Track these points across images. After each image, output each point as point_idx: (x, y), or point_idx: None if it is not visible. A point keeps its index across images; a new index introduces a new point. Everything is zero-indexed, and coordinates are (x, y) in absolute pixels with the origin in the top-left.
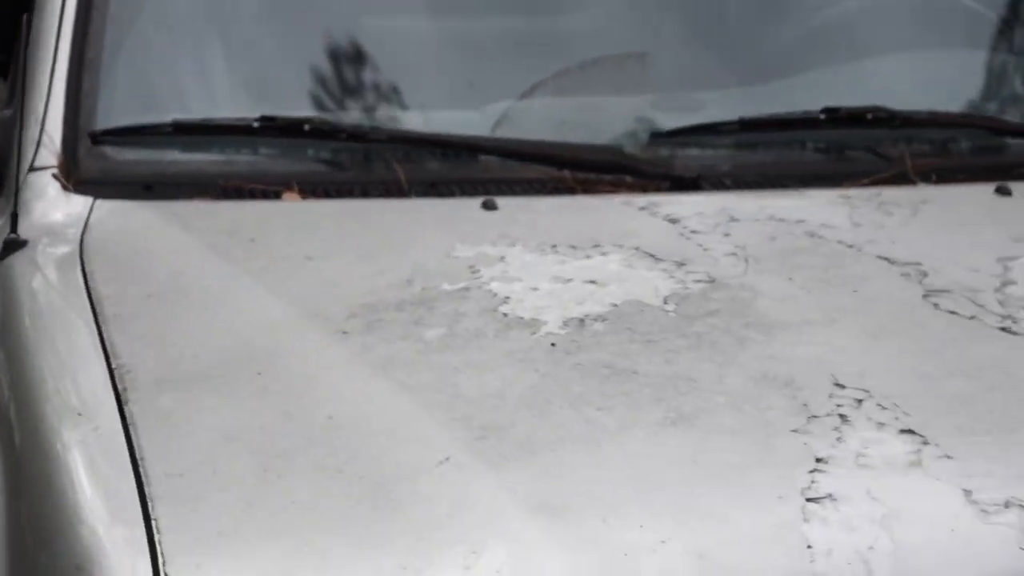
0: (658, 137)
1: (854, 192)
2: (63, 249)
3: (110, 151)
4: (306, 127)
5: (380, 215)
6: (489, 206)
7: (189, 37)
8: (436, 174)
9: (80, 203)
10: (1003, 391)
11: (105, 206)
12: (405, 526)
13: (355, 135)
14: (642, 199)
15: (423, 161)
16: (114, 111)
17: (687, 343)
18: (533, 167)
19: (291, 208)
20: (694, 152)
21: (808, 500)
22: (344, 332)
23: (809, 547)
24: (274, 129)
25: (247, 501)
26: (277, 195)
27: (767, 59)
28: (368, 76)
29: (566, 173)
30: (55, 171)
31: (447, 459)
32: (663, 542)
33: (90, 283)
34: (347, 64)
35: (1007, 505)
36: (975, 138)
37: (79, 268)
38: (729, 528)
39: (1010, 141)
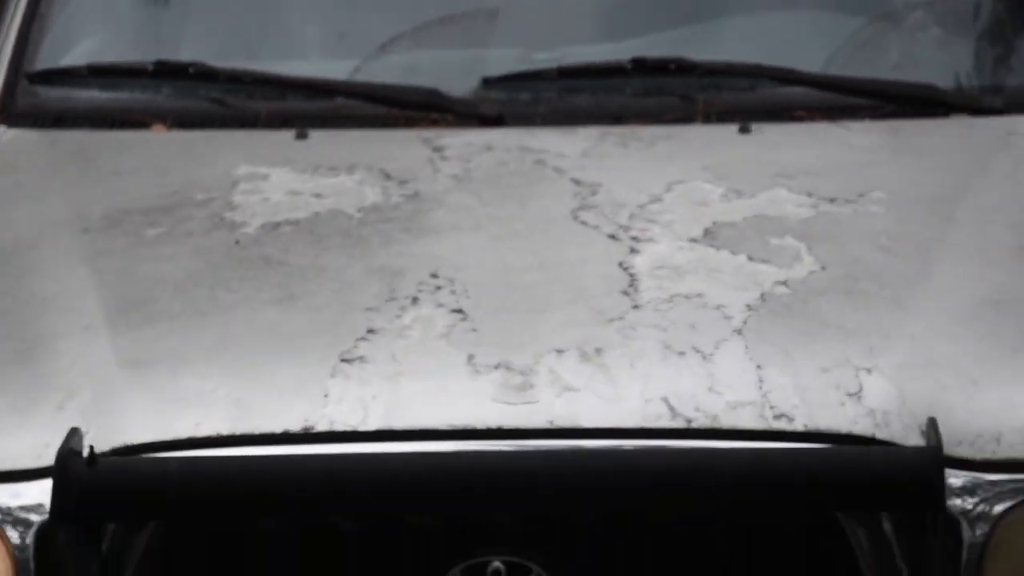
0: (489, 82)
1: (618, 129)
2: None
3: (41, 90)
4: (191, 70)
5: (209, 142)
6: (301, 136)
7: None
8: (292, 111)
9: None
10: (565, 281)
11: (9, 134)
12: (28, 376)
13: (232, 78)
14: (433, 132)
15: (285, 100)
16: (51, 56)
17: (344, 242)
18: (370, 106)
19: (145, 136)
20: (517, 95)
21: (342, 360)
22: (87, 230)
23: (325, 396)
24: (166, 72)
25: None
26: (147, 126)
27: (618, 16)
28: (255, 27)
29: (396, 111)
30: None
31: (87, 326)
32: (212, 391)
33: None
34: (240, 17)
35: (496, 367)
36: (764, 86)
37: None
38: (268, 381)
39: (794, 89)
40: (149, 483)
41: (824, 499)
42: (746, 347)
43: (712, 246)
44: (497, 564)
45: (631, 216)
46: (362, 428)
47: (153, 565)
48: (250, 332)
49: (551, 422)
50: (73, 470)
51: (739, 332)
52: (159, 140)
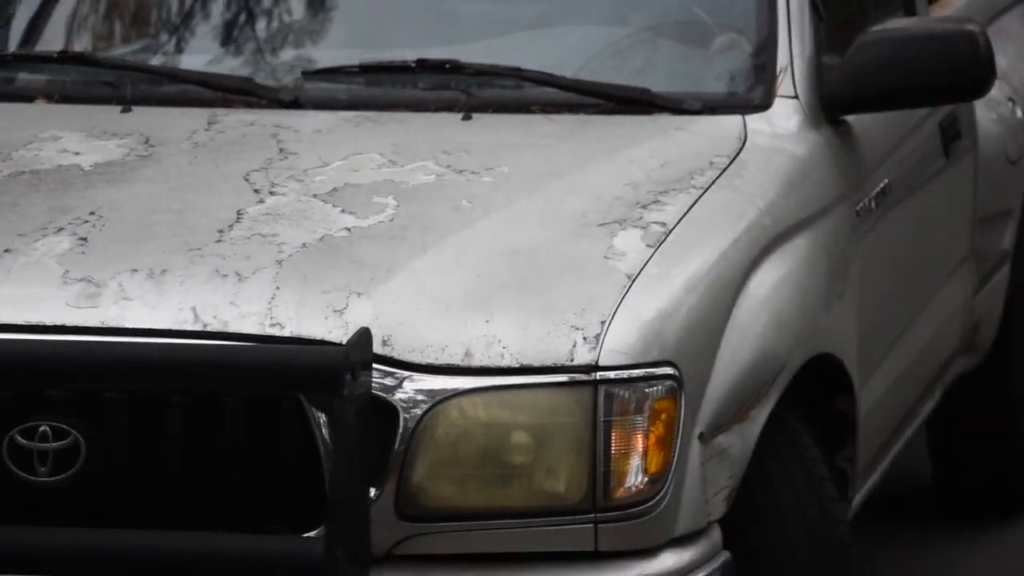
0: (307, 74)
1: (371, 114)
2: None
3: None
4: (84, 58)
5: (54, 112)
6: (125, 110)
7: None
8: (148, 93)
9: None
10: (183, 222)
11: None
12: None
13: (112, 65)
14: (230, 111)
15: (150, 85)
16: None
17: (55, 188)
18: (201, 90)
19: (20, 108)
20: (326, 85)
21: None
22: None
23: None
24: (66, 59)
25: None
26: (32, 99)
27: (430, 27)
28: (141, 27)
29: (219, 94)
30: None
31: None
32: None
33: None
34: (145, 21)
35: (80, 280)
36: (519, 85)
37: None
38: None
39: (546, 89)
40: None
41: (266, 384)
42: (277, 274)
43: (324, 200)
44: (44, 428)
45: (289, 177)
46: None
47: None
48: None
49: (103, 323)
50: None
51: (279, 263)
52: (23, 110)
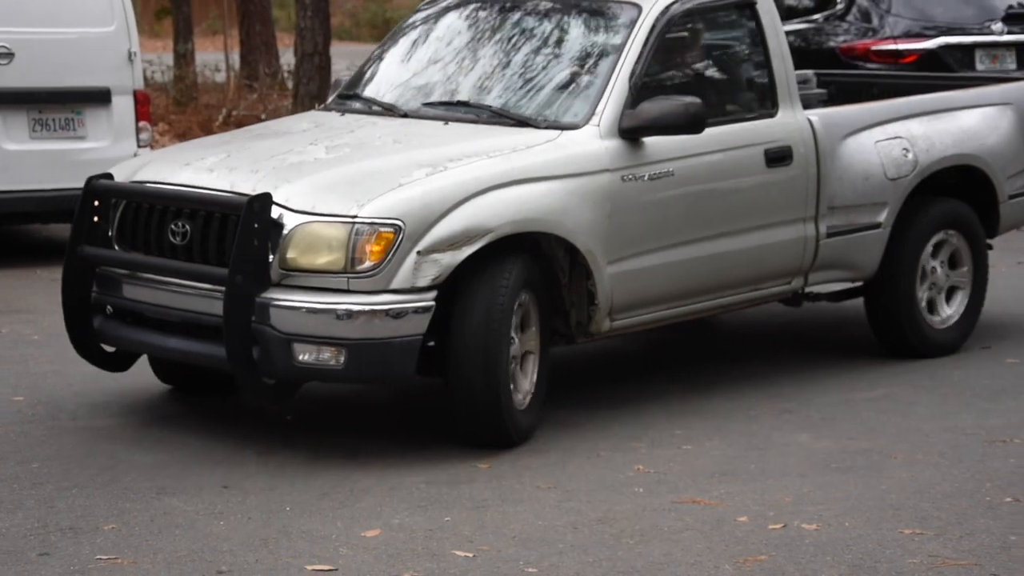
0: (425, 104)
1: (425, 121)
2: None
3: (337, 101)
4: (355, 95)
5: (322, 115)
6: (341, 115)
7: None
8: (362, 108)
9: None
10: (296, 156)
11: (311, 113)
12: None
13: (362, 97)
14: (379, 118)
15: (365, 104)
16: (349, 87)
17: (265, 139)
18: (377, 108)
19: (316, 114)
20: (425, 109)
21: (188, 165)
22: (228, 140)
23: (181, 168)
24: (351, 96)
25: None
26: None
27: (494, 86)
28: (381, 77)
29: (382, 111)
30: None
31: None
32: (176, 169)
33: None
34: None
35: (212, 171)
36: (487, 112)
37: None
38: (178, 172)
39: (496, 115)
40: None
41: (228, 209)
42: (267, 173)
43: (325, 148)
44: (180, 222)
45: (331, 139)
46: (173, 182)
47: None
48: (204, 153)
49: (203, 185)
50: (100, 181)
51: (274, 168)
52: (314, 115)
